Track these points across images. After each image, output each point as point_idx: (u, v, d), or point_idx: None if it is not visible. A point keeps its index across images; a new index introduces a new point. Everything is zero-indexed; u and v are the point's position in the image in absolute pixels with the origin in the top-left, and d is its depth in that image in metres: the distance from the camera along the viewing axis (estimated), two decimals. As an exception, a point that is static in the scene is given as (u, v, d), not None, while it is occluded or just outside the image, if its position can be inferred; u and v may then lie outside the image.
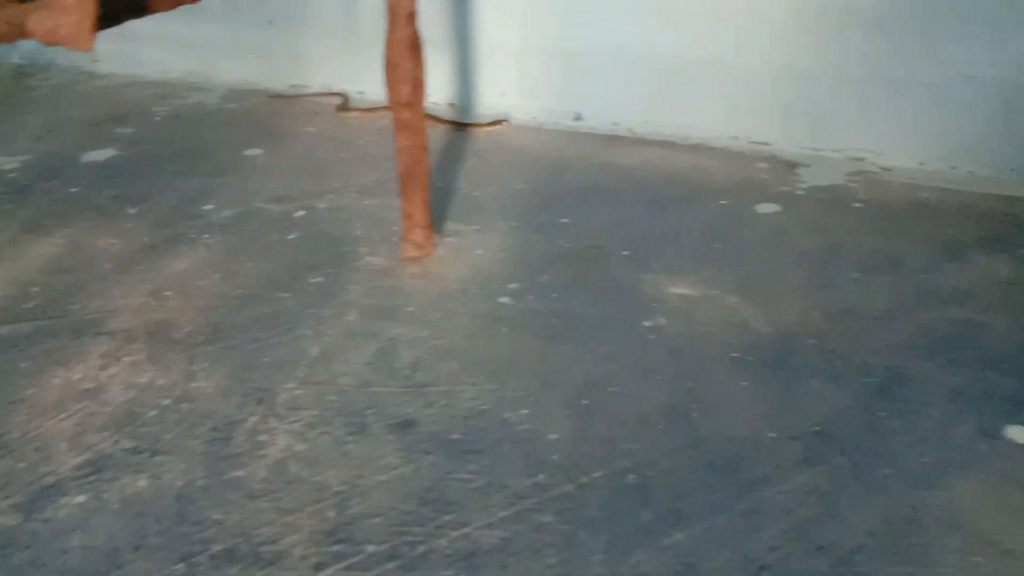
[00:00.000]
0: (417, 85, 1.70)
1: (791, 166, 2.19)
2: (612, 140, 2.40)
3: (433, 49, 2.57)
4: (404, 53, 1.66)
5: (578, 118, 2.48)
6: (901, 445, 1.28)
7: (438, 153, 2.36)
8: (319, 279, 1.77)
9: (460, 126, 2.51)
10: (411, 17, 1.64)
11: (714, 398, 1.40)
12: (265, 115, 2.68)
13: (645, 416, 1.37)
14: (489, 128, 2.49)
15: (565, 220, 1.99)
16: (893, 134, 2.14)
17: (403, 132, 1.74)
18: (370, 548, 1.15)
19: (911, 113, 2.10)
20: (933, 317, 1.58)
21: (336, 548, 1.15)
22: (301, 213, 2.05)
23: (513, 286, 1.73)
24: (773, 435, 1.31)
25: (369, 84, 2.71)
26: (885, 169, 2.14)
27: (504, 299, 1.69)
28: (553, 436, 1.33)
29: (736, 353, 1.51)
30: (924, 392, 1.39)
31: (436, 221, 1.97)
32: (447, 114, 2.61)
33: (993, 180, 2.06)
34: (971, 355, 1.47)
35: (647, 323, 1.60)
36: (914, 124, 2.11)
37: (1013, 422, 1.32)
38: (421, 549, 1.14)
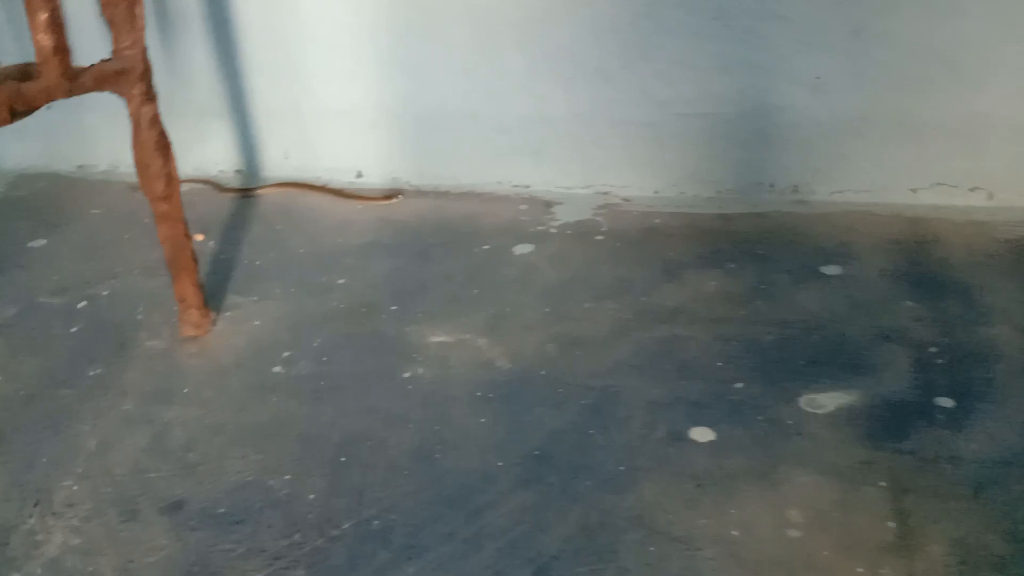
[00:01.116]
0: (170, 180, 1.83)
1: (548, 205, 2.44)
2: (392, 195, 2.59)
3: (213, 118, 2.70)
4: (152, 153, 1.79)
5: (359, 175, 2.66)
6: (603, 457, 1.52)
7: (224, 221, 2.48)
8: (99, 370, 1.87)
9: (358, 199, 2.54)
10: (154, 120, 1.77)
11: (456, 437, 1.61)
12: (52, 200, 2.72)
13: (394, 463, 1.56)
14: (385, 201, 2.52)
15: (341, 280, 2.16)
16: (630, 168, 2.43)
17: (164, 223, 1.86)
18: (137, 627, 1.28)
19: (641, 148, 2.40)
20: (646, 336, 1.85)
21: (105, 632, 1.28)
22: (83, 303, 2.13)
23: (286, 354, 1.89)
24: (500, 463, 1.53)
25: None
26: (626, 200, 2.43)
27: (277, 368, 1.84)
28: (311, 496, 1.50)
29: (480, 392, 1.72)
30: (628, 407, 1.64)
31: (217, 295, 2.10)
32: (261, 180, 2.73)
33: (715, 200, 2.38)
34: (671, 367, 1.74)
35: (406, 374, 1.80)
36: (645, 158, 2.41)
37: (696, 424, 1.59)
38: (184, 619, 1.29)
